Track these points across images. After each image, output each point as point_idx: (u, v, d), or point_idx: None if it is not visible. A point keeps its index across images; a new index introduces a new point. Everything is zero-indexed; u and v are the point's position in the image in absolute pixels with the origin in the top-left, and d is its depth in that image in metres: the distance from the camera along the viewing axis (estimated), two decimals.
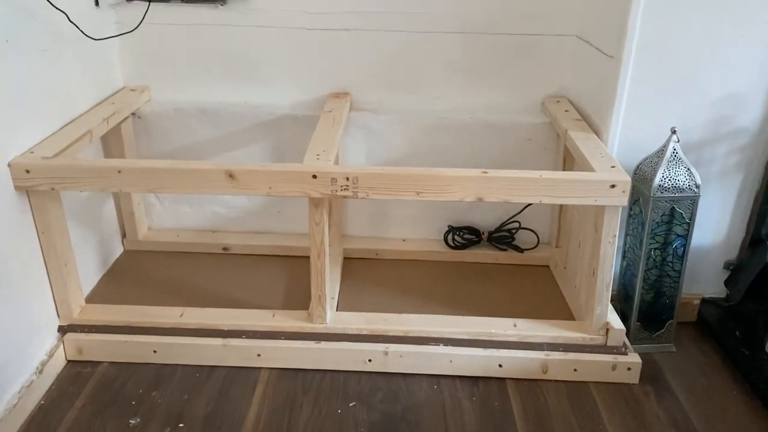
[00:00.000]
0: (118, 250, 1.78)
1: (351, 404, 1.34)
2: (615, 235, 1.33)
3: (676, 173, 1.38)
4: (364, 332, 1.44)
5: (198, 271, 1.71)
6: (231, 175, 1.26)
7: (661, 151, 1.40)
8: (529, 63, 1.70)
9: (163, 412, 1.31)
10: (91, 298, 1.57)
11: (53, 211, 1.33)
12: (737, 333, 1.53)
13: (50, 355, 1.38)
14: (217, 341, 1.42)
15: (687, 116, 1.45)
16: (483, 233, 1.79)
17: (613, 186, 1.26)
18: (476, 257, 1.79)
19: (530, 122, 1.69)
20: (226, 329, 1.44)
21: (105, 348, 1.43)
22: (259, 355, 1.42)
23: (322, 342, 1.43)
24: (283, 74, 1.72)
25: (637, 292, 1.48)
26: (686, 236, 1.43)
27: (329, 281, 1.42)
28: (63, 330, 1.43)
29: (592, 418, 1.32)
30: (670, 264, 1.46)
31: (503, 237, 1.79)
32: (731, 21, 1.36)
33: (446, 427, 1.29)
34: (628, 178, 1.26)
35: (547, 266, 1.78)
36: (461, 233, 1.79)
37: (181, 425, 1.27)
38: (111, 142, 1.65)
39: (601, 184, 1.26)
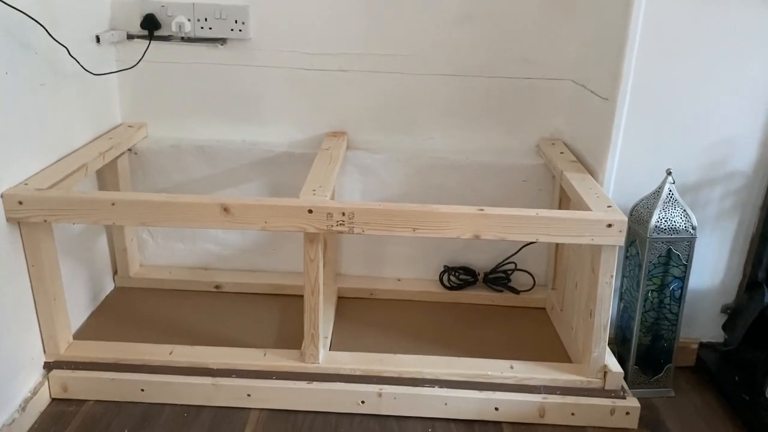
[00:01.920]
0: (109, 287, 1.76)
1: None
2: (612, 276, 1.32)
3: (673, 214, 1.38)
4: (358, 372, 1.40)
5: (189, 309, 1.68)
6: (226, 209, 1.25)
7: (657, 192, 1.40)
8: (524, 106, 1.72)
9: None
10: (79, 335, 1.54)
11: (44, 244, 1.31)
12: (736, 378, 1.50)
13: (34, 393, 1.34)
14: (207, 380, 1.39)
15: (682, 159, 1.46)
16: (479, 274, 1.78)
17: (609, 225, 1.25)
18: (472, 298, 1.77)
19: (526, 164, 1.70)
20: (215, 368, 1.41)
21: (91, 386, 1.39)
22: (249, 395, 1.39)
23: (314, 382, 1.40)
24: (281, 113, 1.73)
25: (634, 334, 1.46)
26: (683, 278, 1.42)
27: (323, 320, 1.40)
28: (49, 366, 1.40)
29: None
30: (668, 306, 1.44)
31: (499, 278, 1.78)
32: (725, 66, 1.38)
33: None
34: (625, 218, 1.26)
35: (544, 308, 1.76)
36: (457, 273, 1.77)
37: None
38: (106, 178, 1.64)
39: (597, 223, 1.25)
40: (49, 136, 1.41)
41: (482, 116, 1.73)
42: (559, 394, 1.39)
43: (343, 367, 1.41)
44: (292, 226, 1.26)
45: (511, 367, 1.42)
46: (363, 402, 1.39)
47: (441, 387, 1.39)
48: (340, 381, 1.40)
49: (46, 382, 1.38)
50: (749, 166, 1.47)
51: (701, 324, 1.61)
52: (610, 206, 1.31)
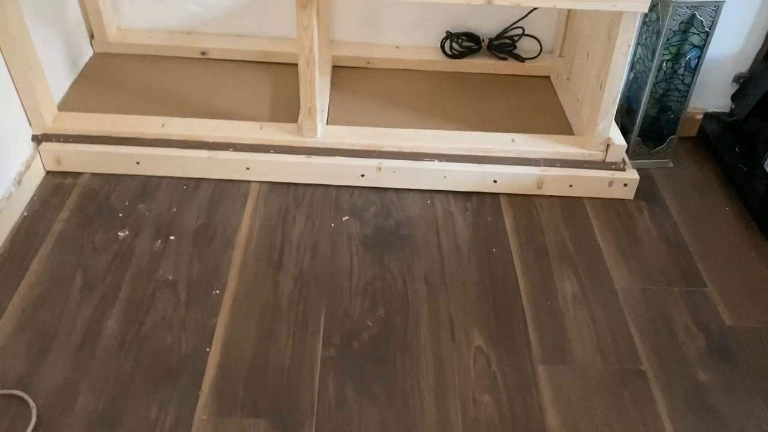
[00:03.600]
0: (88, 53, 1.64)
1: (344, 218, 1.33)
2: (629, 45, 1.23)
3: None
4: (357, 147, 1.38)
5: (175, 77, 1.59)
6: None
7: None
8: None
9: (152, 224, 1.28)
10: (63, 106, 1.46)
11: (9, 8, 1.18)
12: (737, 149, 1.50)
13: (27, 166, 1.32)
14: (203, 153, 1.36)
15: None
16: (483, 40, 1.67)
17: None
18: (474, 67, 1.68)
19: None
20: (211, 141, 1.37)
21: (85, 158, 1.36)
22: (248, 168, 1.37)
23: (314, 156, 1.37)
24: None
25: (642, 105, 1.42)
26: (702, 47, 1.33)
27: (319, 93, 1.33)
28: (37, 139, 1.36)
29: (584, 232, 1.33)
30: (681, 77, 1.38)
31: (504, 44, 1.67)
32: None
33: (438, 241, 1.29)
34: None
35: (548, 77, 1.68)
36: (459, 40, 1.66)
37: (171, 238, 1.26)
38: None
39: None
40: None
41: None
42: (558, 167, 1.39)
43: (342, 142, 1.37)
44: None
45: (513, 141, 1.40)
46: (363, 176, 1.38)
47: (441, 161, 1.38)
48: (339, 155, 1.38)
49: (38, 155, 1.35)
50: None
51: (709, 93, 1.56)
52: None
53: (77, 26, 1.58)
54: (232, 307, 1.14)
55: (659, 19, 1.31)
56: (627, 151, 1.45)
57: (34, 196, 1.32)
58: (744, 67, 1.52)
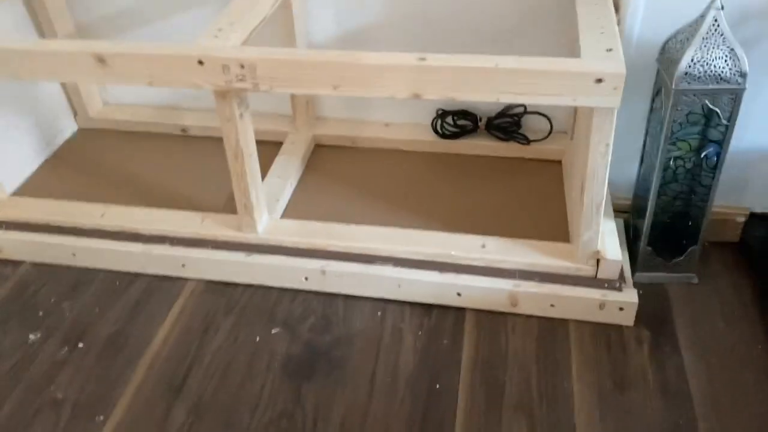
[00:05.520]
0: (70, 129, 1.60)
1: (273, 331, 1.16)
2: (608, 145, 0.98)
3: (713, 56, 0.98)
4: (301, 246, 1.21)
5: (148, 157, 1.51)
6: (101, 60, 1.00)
7: (696, 24, 0.99)
8: None
9: (67, 327, 1.18)
10: (24, 189, 1.42)
11: None
12: None
13: None
14: (138, 247, 1.25)
15: None
16: (481, 119, 1.45)
17: (599, 80, 0.89)
18: (472, 148, 1.46)
19: None
20: (147, 234, 1.26)
21: (25, 247, 1.30)
22: (183, 265, 1.24)
23: (254, 254, 1.22)
24: None
25: (649, 209, 1.14)
26: (722, 142, 1.05)
27: (256, 185, 1.18)
28: None
29: (558, 370, 1.06)
30: (698, 177, 1.09)
31: (506, 123, 1.44)
32: None
33: (374, 368, 1.08)
34: (623, 71, 0.88)
35: (560, 162, 1.43)
36: (454, 118, 1.46)
37: (80, 345, 1.14)
38: (35, 5, 1.41)
39: (580, 77, 0.89)
40: None
41: None
42: (537, 281, 1.14)
43: (285, 240, 1.21)
44: (183, 83, 1.00)
45: (483, 246, 1.17)
46: (307, 278, 1.21)
47: (395, 266, 1.18)
48: (281, 254, 1.21)
49: None
50: None
51: (756, 190, 1.25)
52: (610, 49, 0.92)
53: (57, 103, 1.55)
54: (115, 429, 1.00)
55: (663, 108, 1.05)
56: (635, 261, 1.18)
57: None
58: None
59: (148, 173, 1.46)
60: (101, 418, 1.02)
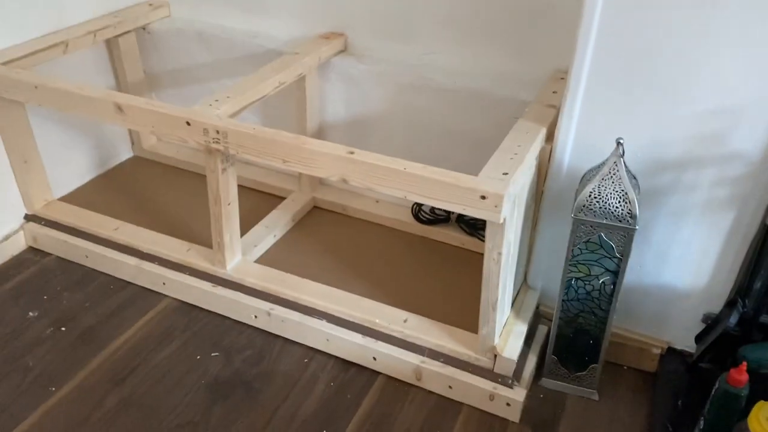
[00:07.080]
0: (125, 156, 1.92)
1: (213, 354, 1.35)
2: (500, 253, 1.12)
3: (608, 195, 1.10)
4: (257, 288, 1.41)
5: (179, 190, 1.78)
6: (120, 108, 1.28)
7: (602, 164, 1.12)
8: (544, 26, 1.42)
9: (59, 313, 1.43)
10: (71, 196, 1.73)
11: (14, 113, 1.47)
12: (679, 403, 1.23)
13: (5, 238, 1.57)
14: (133, 260, 1.50)
15: (667, 125, 1.13)
16: (452, 212, 1.61)
17: (483, 197, 1.05)
18: (442, 236, 1.63)
19: (519, 99, 1.44)
20: (143, 251, 1.51)
21: (53, 243, 1.59)
22: (164, 283, 1.48)
23: (219, 287, 1.44)
24: (286, 5, 1.65)
25: (553, 321, 1.25)
26: (617, 273, 1.16)
27: (230, 229, 1.40)
28: (27, 218, 1.62)
29: None
30: (596, 301, 1.20)
31: (473, 220, 1.60)
32: (733, 15, 1.01)
33: (279, 405, 1.25)
34: (502, 192, 1.03)
35: None
36: (430, 207, 1.63)
37: (63, 329, 1.39)
38: (114, 55, 1.75)
39: (468, 192, 1.05)
40: (31, 12, 1.51)
41: (491, 35, 1.47)
42: (441, 362, 1.27)
43: (245, 279, 1.42)
44: (175, 137, 1.26)
45: (405, 321, 1.32)
46: (256, 317, 1.41)
47: (328, 321, 1.35)
48: (240, 291, 1.42)
49: (21, 231, 1.61)
50: (756, 148, 1.09)
51: (678, 327, 1.32)
52: (506, 174, 1.08)
53: (119, 132, 1.88)
54: (60, 400, 1.22)
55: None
56: (541, 367, 1.28)
57: (6, 262, 1.57)
58: (716, 306, 1.27)
59: (171, 203, 1.72)
60: (53, 389, 1.25)
